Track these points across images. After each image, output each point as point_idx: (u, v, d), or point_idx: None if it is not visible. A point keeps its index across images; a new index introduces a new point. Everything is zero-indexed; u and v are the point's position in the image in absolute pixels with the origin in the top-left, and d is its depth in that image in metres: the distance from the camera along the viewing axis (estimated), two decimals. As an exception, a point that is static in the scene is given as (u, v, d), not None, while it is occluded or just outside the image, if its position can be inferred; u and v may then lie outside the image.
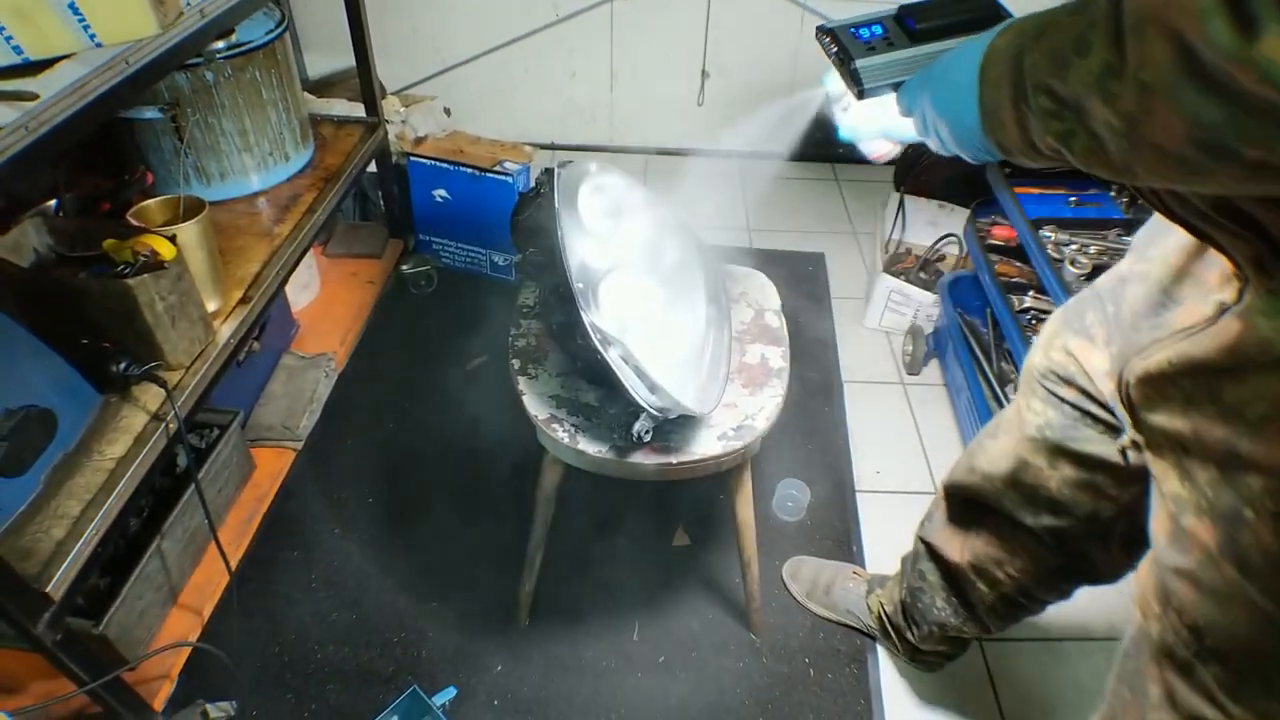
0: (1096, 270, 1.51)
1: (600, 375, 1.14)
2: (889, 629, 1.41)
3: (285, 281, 1.60)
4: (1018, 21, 0.57)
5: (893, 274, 2.13)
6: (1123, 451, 0.88)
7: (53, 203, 1.41)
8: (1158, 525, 0.74)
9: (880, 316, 2.18)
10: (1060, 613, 1.47)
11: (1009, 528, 1.08)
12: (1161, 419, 0.72)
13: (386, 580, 1.55)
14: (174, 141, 1.59)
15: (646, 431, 1.09)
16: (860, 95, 0.71)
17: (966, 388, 1.79)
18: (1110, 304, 0.86)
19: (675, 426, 1.15)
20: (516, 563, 1.42)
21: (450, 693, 1.34)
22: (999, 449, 1.06)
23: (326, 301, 2.14)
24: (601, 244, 1.20)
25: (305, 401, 1.82)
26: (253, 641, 1.44)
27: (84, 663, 1.10)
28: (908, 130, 0.80)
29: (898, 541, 1.39)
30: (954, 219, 2.23)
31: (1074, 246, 1.57)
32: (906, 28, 0.70)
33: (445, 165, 2.15)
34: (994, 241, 1.86)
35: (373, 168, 2.15)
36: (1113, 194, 1.71)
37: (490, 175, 2.11)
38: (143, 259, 1.19)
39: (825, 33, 0.72)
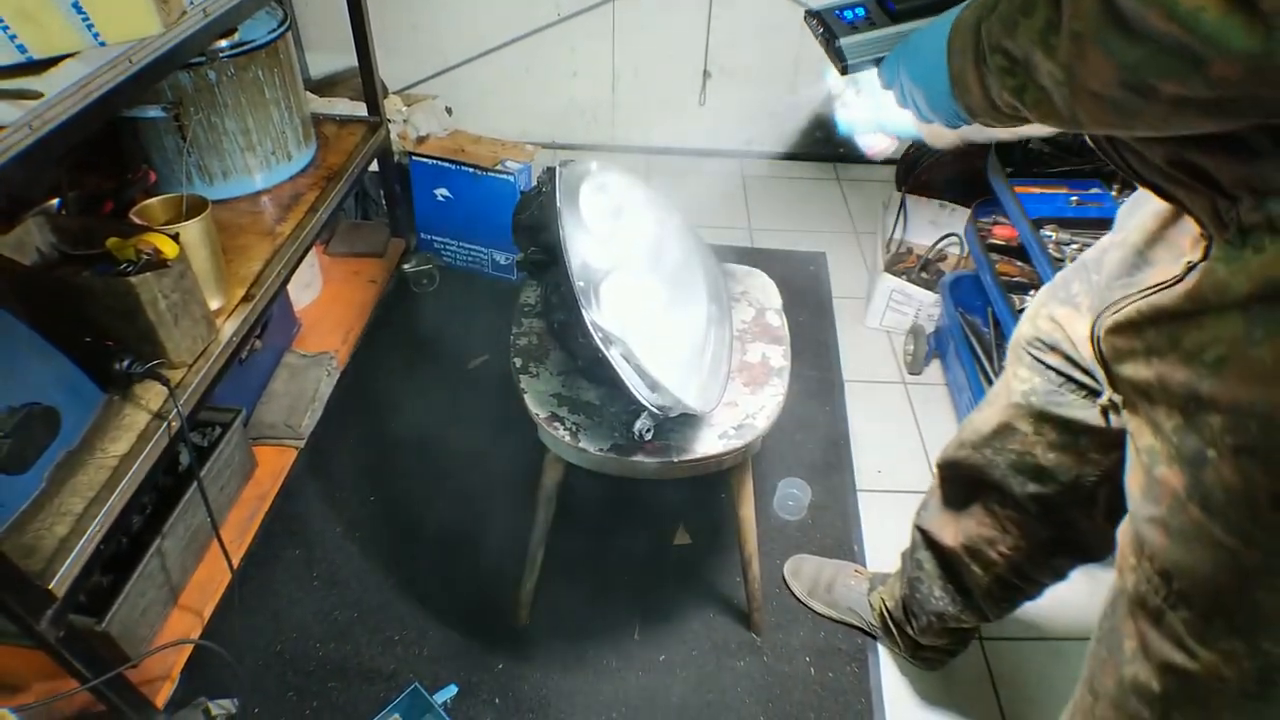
0: (1098, 270, 1.51)
1: (601, 374, 1.14)
2: (890, 625, 1.41)
3: (287, 280, 1.60)
4: None
5: (894, 273, 2.14)
6: (1104, 412, 0.91)
7: (56, 201, 1.41)
8: (1133, 480, 0.77)
9: (881, 316, 2.18)
10: (1060, 612, 1.48)
11: (998, 502, 1.11)
12: (1129, 370, 0.75)
13: (388, 578, 1.56)
14: (177, 140, 1.59)
15: (647, 430, 1.09)
16: (844, 71, 0.77)
17: (968, 387, 1.79)
18: (1095, 273, 0.90)
19: (676, 425, 1.16)
20: (517, 561, 1.42)
21: (451, 690, 1.34)
22: (985, 418, 1.09)
23: (328, 300, 2.14)
24: (603, 243, 1.20)
25: (307, 400, 1.82)
26: (254, 639, 1.45)
27: (86, 660, 1.10)
28: (904, 124, 0.89)
29: (899, 540, 1.39)
30: (955, 218, 2.23)
31: (1075, 246, 1.57)
32: (886, 9, 0.76)
33: (447, 164, 2.15)
34: (995, 241, 1.86)
35: (375, 167, 2.15)
36: (1113, 192, 1.71)
37: (492, 174, 2.11)
38: (145, 257, 1.19)
39: (812, 15, 0.77)
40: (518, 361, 1.26)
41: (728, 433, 1.16)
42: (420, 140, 2.27)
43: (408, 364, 2.04)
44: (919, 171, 2.44)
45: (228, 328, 1.39)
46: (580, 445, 1.13)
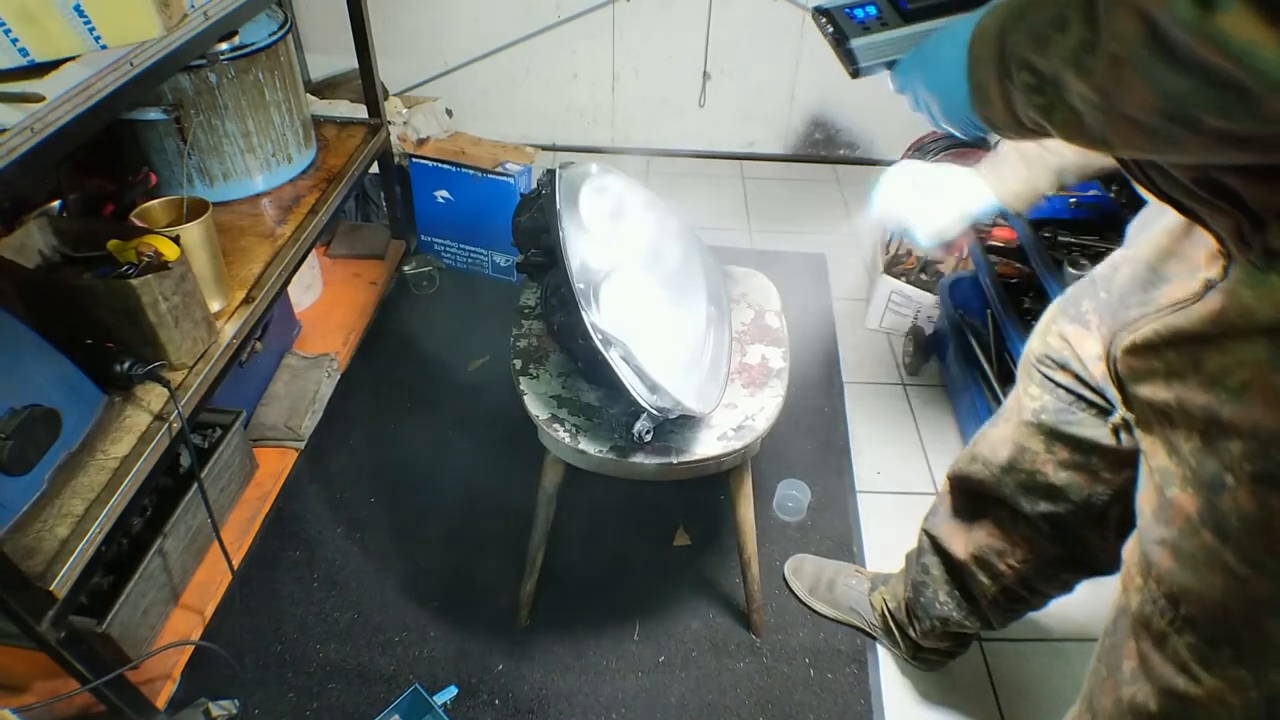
0: (1096, 271, 1.51)
1: (601, 375, 1.14)
2: (892, 626, 1.42)
3: (288, 282, 1.61)
4: (1003, 1, 0.58)
5: (893, 275, 2.14)
6: (1115, 431, 0.91)
7: (57, 203, 1.41)
8: (1144, 499, 0.76)
9: (881, 317, 2.19)
10: (1061, 613, 1.48)
11: (1009, 518, 1.10)
12: (1147, 391, 0.74)
13: (388, 580, 1.56)
14: (177, 143, 1.59)
15: (647, 431, 1.10)
16: (855, 74, 0.73)
17: (967, 388, 1.79)
18: (1103, 290, 0.89)
19: (676, 427, 1.16)
20: (517, 562, 1.43)
21: (451, 691, 1.34)
22: (998, 435, 1.09)
23: (329, 302, 2.15)
24: (602, 245, 1.20)
25: (307, 401, 1.83)
26: (255, 640, 1.45)
27: (87, 661, 1.11)
28: (982, 204, 0.94)
29: (898, 541, 1.39)
30: (955, 220, 2.23)
31: (1074, 247, 1.57)
32: (899, 8, 0.71)
33: (447, 166, 2.16)
34: (994, 242, 1.86)
35: (375, 169, 2.16)
36: (1112, 194, 1.72)
37: (492, 176, 2.12)
38: (146, 259, 1.20)
39: (821, 13, 0.73)
40: (518, 363, 1.26)
41: (727, 434, 1.16)
42: (420, 142, 2.27)
43: (408, 366, 2.04)
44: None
45: (228, 330, 1.39)
46: (580, 447, 1.13)
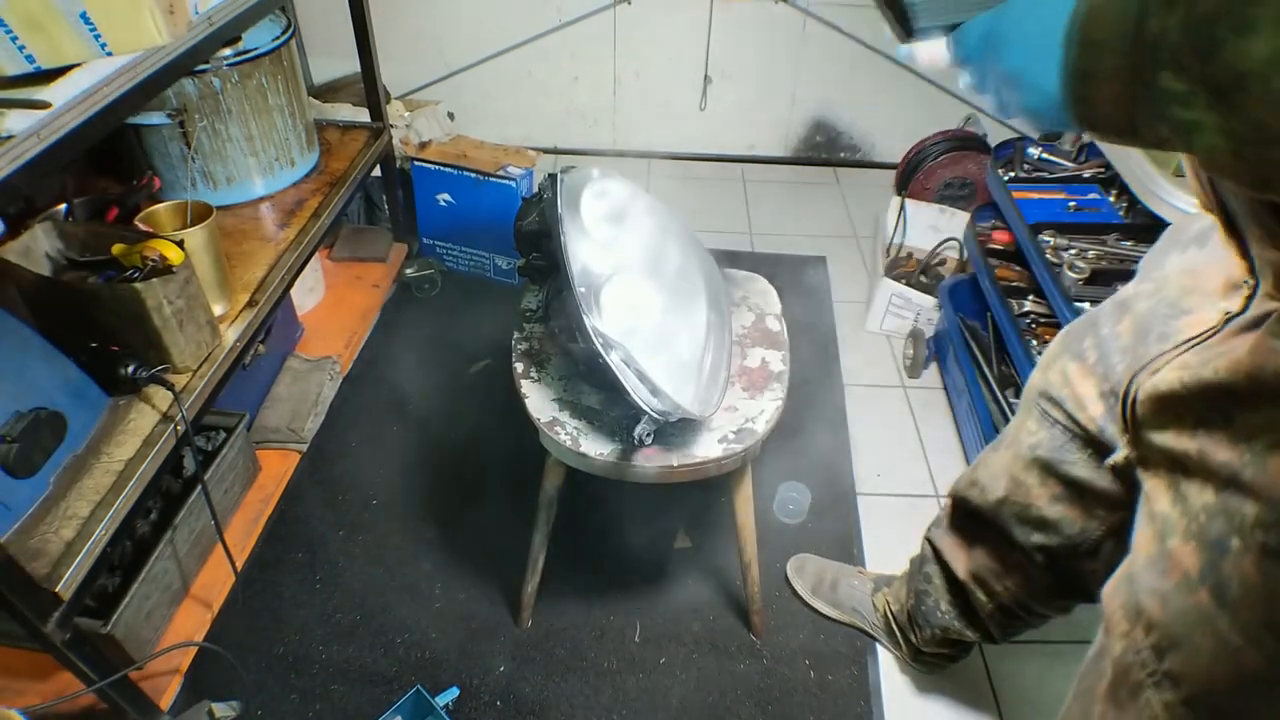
0: (1095, 275, 1.51)
1: (602, 379, 1.15)
2: (894, 628, 1.42)
3: (291, 285, 1.62)
4: None
5: (894, 278, 2.14)
6: (1113, 470, 0.88)
7: (62, 207, 1.42)
8: (1140, 543, 0.73)
9: (881, 320, 2.19)
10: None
11: (1005, 544, 1.10)
12: (1167, 438, 0.70)
13: (390, 581, 1.57)
14: (181, 147, 1.61)
15: (648, 435, 1.10)
16: (907, 35, 0.59)
17: (967, 391, 1.80)
18: (1106, 326, 0.87)
19: (676, 430, 1.16)
20: (519, 564, 1.43)
21: (453, 693, 1.35)
22: (998, 463, 1.08)
23: (331, 305, 2.16)
24: (603, 249, 1.21)
25: (310, 404, 1.84)
26: (258, 642, 1.46)
27: (92, 662, 1.12)
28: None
29: (898, 543, 1.40)
30: (955, 223, 2.24)
31: (1073, 251, 1.57)
32: None
33: (449, 170, 2.17)
34: (994, 246, 1.87)
35: (377, 172, 2.16)
36: (1111, 198, 1.72)
37: (493, 180, 2.13)
38: (151, 264, 1.21)
39: None
40: (519, 366, 1.27)
41: (727, 437, 1.17)
42: (422, 145, 2.28)
43: (410, 368, 2.05)
44: (919, 175, 2.46)
45: (231, 333, 1.40)
46: (581, 450, 1.14)
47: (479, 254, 2.31)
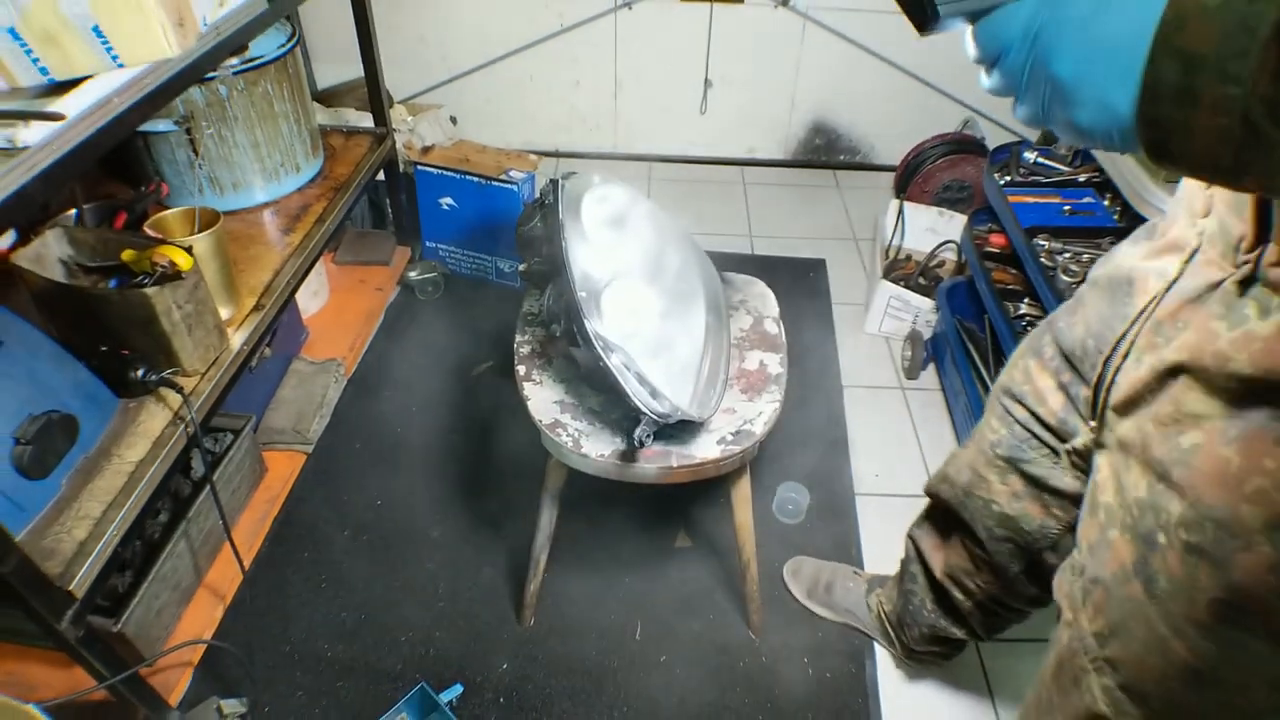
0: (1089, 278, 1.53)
1: (602, 381, 1.17)
2: (888, 628, 1.44)
3: (296, 289, 1.64)
4: None
5: (892, 280, 2.16)
6: (1072, 458, 0.90)
7: (72, 213, 1.45)
8: (1085, 532, 0.75)
9: (880, 322, 2.21)
10: (1054, 611, 1.50)
11: (972, 540, 1.12)
12: (1125, 425, 0.72)
13: (394, 581, 1.59)
14: (188, 153, 1.63)
15: (647, 436, 1.12)
16: (925, 24, 0.48)
17: (964, 392, 1.82)
18: (1062, 320, 0.90)
19: (675, 431, 1.18)
20: (521, 564, 1.45)
21: (457, 690, 1.37)
22: (964, 459, 1.11)
23: (336, 308, 2.18)
24: (604, 254, 1.23)
25: (315, 406, 1.86)
26: (265, 640, 1.48)
27: (104, 659, 1.14)
28: None
29: (897, 543, 1.41)
30: (953, 226, 2.26)
31: (1067, 255, 1.59)
32: None
33: (452, 174, 2.19)
34: (991, 249, 1.89)
35: (381, 176, 2.19)
36: (1106, 202, 1.74)
37: (496, 183, 2.15)
38: (161, 269, 1.23)
39: None
40: (521, 369, 1.29)
41: (726, 439, 1.19)
42: (425, 150, 2.30)
43: (413, 371, 2.07)
44: (918, 179, 2.47)
45: (238, 337, 1.42)
46: (582, 451, 1.16)
47: (481, 257, 2.33)
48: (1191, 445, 0.62)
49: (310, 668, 1.44)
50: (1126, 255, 0.80)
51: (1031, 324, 1.67)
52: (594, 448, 1.16)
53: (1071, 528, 0.96)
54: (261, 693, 1.40)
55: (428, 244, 2.37)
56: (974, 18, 0.48)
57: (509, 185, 2.14)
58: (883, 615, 1.45)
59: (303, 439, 1.81)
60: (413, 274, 2.28)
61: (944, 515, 1.20)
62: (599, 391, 1.25)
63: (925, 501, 1.26)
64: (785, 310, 1.46)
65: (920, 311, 2.11)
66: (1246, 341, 0.57)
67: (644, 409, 1.08)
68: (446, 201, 2.25)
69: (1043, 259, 1.59)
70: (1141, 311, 0.72)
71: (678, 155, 3.01)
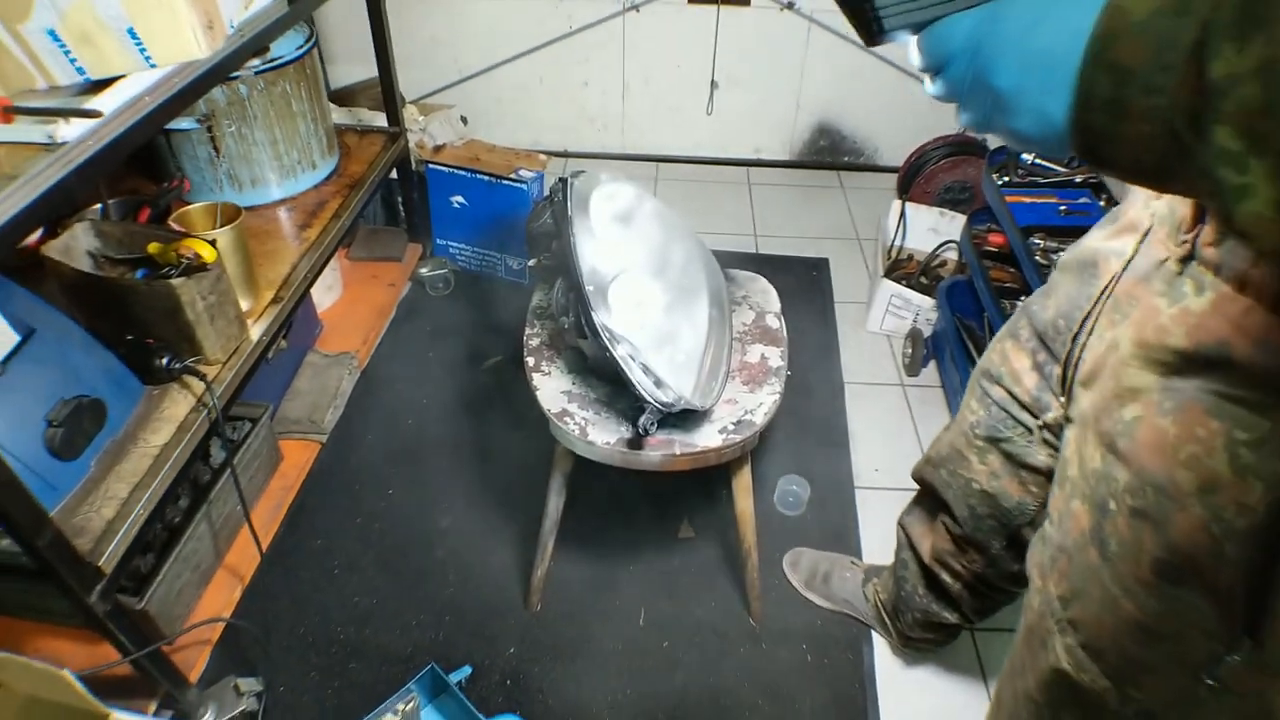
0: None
1: (608, 372, 1.21)
2: (884, 616, 1.48)
3: (312, 283, 1.69)
4: None
5: (894, 279, 2.20)
6: (1041, 429, 0.94)
7: (98, 207, 1.50)
8: (1054, 504, 0.80)
9: (881, 320, 2.25)
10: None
11: (954, 521, 1.16)
12: (1087, 398, 0.76)
13: (405, 566, 1.63)
14: (209, 150, 1.68)
15: (652, 425, 1.16)
16: (873, 37, 0.51)
17: (962, 389, 1.85)
18: (1036, 303, 0.94)
19: (679, 421, 1.23)
20: (528, 552, 1.49)
21: (465, 671, 1.42)
22: (946, 441, 1.15)
23: (349, 302, 2.23)
24: (611, 249, 1.28)
25: (329, 397, 1.91)
26: (279, 623, 1.53)
27: (129, 635, 1.18)
28: None
29: (895, 537, 1.45)
30: (954, 226, 2.30)
31: (1062, 253, 1.63)
32: None
33: (463, 172, 2.24)
34: (989, 248, 1.92)
35: (394, 174, 2.24)
36: (1101, 202, 1.78)
37: (506, 182, 2.20)
38: (185, 261, 1.28)
39: None
40: (530, 361, 1.34)
41: (727, 428, 1.23)
42: (437, 149, 2.35)
43: (425, 364, 2.12)
44: (920, 180, 2.51)
45: (257, 328, 1.47)
46: (589, 439, 1.20)
47: (491, 254, 2.38)
48: (1133, 418, 0.66)
49: (323, 649, 1.49)
50: (1092, 238, 0.84)
51: (1028, 322, 1.70)
52: (600, 436, 1.20)
53: (1046, 504, 1.00)
54: (276, 672, 1.44)
55: (438, 241, 2.42)
56: (919, 29, 0.50)
57: (518, 184, 2.19)
58: (879, 604, 1.49)
59: (317, 429, 1.86)
60: (424, 270, 2.33)
61: (930, 499, 1.24)
62: (605, 382, 1.29)
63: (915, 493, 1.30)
64: (789, 308, 1.50)
65: (921, 310, 2.14)
66: (1183, 317, 0.61)
67: (648, 398, 1.12)
68: (457, 200, 2.30)
69: (1038, 257, 1.63)
70: (1103, 290, 0.76)
71: (684, 155, 3.05)
